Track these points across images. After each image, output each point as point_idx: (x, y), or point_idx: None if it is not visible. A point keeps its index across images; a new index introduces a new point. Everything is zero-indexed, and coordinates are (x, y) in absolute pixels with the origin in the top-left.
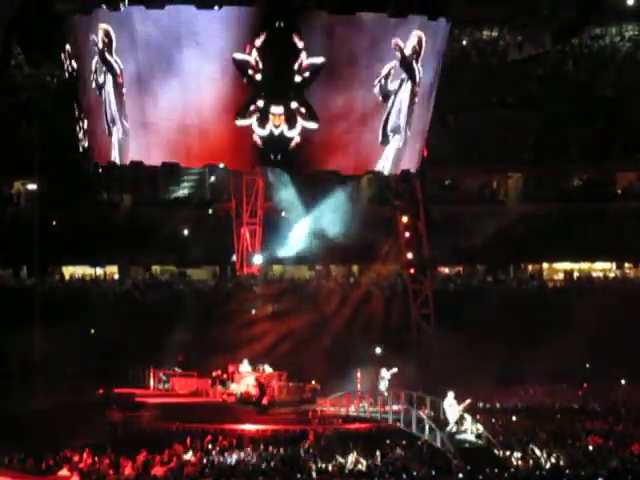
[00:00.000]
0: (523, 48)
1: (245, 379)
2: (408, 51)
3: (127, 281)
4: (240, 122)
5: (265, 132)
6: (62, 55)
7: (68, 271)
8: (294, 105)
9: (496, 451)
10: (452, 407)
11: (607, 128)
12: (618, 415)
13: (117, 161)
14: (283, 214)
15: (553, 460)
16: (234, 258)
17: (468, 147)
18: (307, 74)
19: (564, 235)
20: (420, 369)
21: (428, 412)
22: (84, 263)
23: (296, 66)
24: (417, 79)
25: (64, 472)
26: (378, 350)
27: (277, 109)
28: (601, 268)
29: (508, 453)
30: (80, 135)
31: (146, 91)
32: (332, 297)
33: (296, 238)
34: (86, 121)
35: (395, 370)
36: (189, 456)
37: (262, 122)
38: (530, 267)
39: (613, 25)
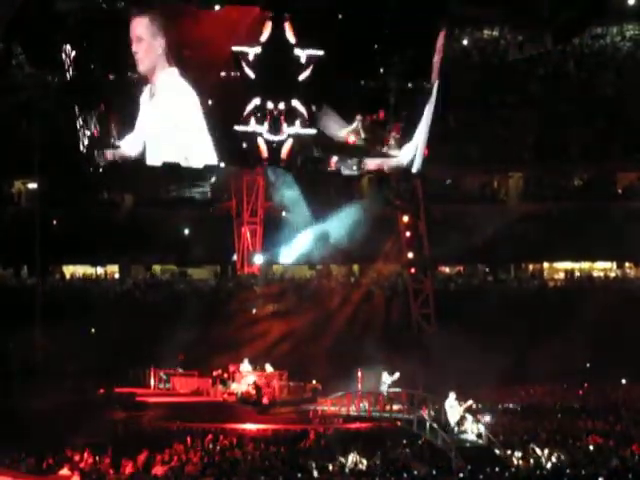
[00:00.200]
0: (524, 48)
1: (246, 378)
2: None
3: (128, 280)
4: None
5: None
6: (63, 55)
7: (69, 270)
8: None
9: (497, 450)
10: (453, 408)
11: (608, 128)
12: (618, 415)
13: (118, 160)
14: (284, 214)
15: (554, 460)
16: (235, 257)
17: (469, 147)
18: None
19: (565, 235)
20: (420, 369)
21: (429, 412)
22: (85, 262)
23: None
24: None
25: (65, 471)
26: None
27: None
28: (602, 268)
29: (509, 452)
30: (81, 134)
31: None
32: (333, 297)
33: (298, 244)
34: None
35: (397, 376)
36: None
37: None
38: (531, 267)
39: (614, 25)
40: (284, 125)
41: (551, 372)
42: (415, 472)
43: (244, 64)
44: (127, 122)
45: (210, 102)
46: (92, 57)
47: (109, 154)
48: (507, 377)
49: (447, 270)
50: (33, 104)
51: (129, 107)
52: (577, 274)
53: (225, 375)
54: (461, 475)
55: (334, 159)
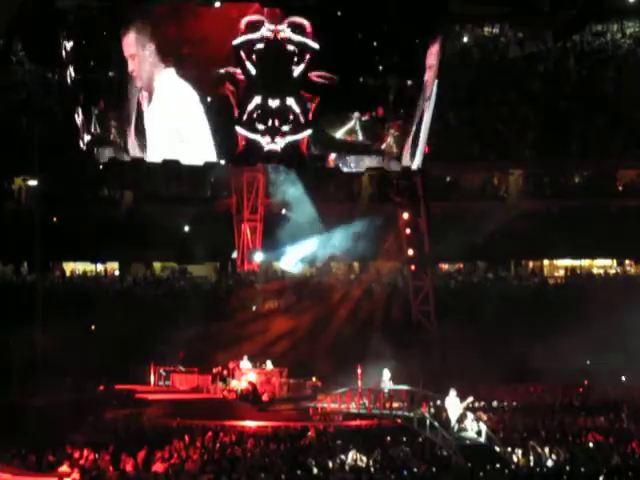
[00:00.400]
0: (524, 45)
1: (246, 376)
2: None
3: (128, 278)
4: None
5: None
6: (63, 52)
7: (69, 267)
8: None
9: (497, 448)
10: (453, 405)
11: (608, 125)
12: (618, 412)
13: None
14: (284, 212)
15: (554, 457)
16: (235, 255)
17: (469, 144)
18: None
19: (565, 232)
20: (421, 366)
21: (429, 409)
22: (85, 259)
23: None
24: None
25: (64, 468)
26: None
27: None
28: (602, 265)
29: (509, 450)
30: (81, 131)
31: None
32: (333, 294)
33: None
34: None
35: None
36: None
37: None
38: (531, 264)
39: (614, 22)
40: (283, 127)
41: (551, 369)
42: (415, 470)
43: (245, 59)
44: (126, 120)
45: (209, 100)
46: (92, 54)
47: (108, 151)
48: (507, 374)
49: (447, 267)
50: (33, 100)
51: (128, 105)
52: (577, 271)
53: (225, 372)
54: (461, 473)
55: (332, 156)
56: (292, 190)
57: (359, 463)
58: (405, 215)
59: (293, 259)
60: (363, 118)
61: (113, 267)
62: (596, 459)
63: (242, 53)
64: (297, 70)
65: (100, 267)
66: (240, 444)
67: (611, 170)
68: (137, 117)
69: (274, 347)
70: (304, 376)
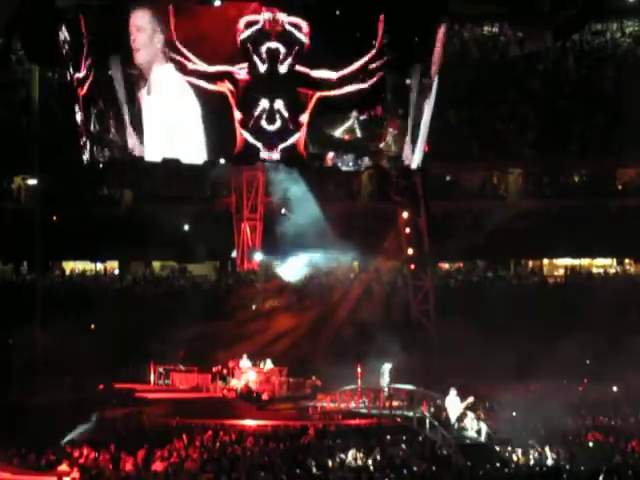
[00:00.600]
0: (524, 44)
1: (245, 374)
2: None
3: (127, 277)
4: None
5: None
6: (62, 50)
7: (68, 266)
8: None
9: (497, 447)
10: (453, 404)
11: (608, 124)
12: (618, 411)
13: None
14: (283, 211)
15: (554, 456)
16: (234, 254)
17: (469, 143)
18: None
19: (564, 231)
20: (420, 365)
21: (429, 408)
22: (84, 259)
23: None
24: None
25: (64, 467)
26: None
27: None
28: (601, 264)
29: (509, 449)
30: (80, 130)
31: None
32: (332, 293)
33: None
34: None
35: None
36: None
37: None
38: (530, 263)
39: (614, 21)
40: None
41: (551, 368)
42: (414, 469)
43: (254, 55)
44: (126, 118)
45: (209, 100)
46: (90, 52)
47: (107, 150)
48: (507, 373)
49: (447, 266)
50: (33, 99)
51: (127, 103)
52: (577, 270)
53: (225, 371)
54: (461, 472)
55: (330, 155)
56: (292, 189)
57: (359, 462)
58: (405, 214)
59: (293, 269)
60: (361, 117)
61: (113, 266)
62: (596, 458)
63: (250, 48)
64: (283, 67)
65: (100, 266)
66: (240, 443)
67: (611, 169)
68: (136, 113)
69: (274, 346)
70: (304, 375)
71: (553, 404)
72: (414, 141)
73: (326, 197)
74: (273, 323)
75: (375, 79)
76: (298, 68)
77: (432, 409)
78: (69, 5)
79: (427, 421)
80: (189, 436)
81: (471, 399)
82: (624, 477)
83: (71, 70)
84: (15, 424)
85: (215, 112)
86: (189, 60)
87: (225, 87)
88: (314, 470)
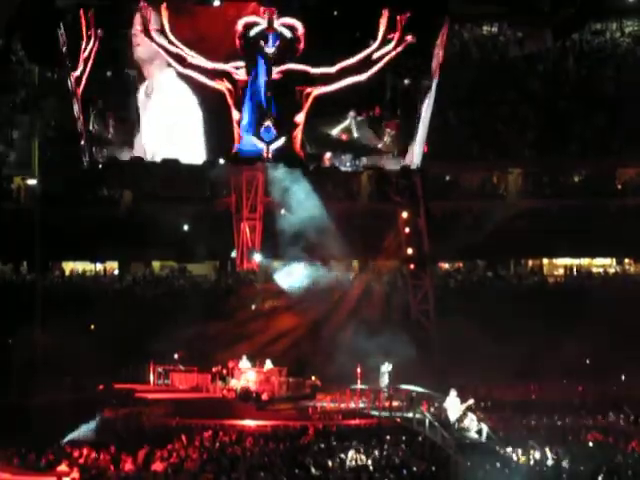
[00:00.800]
0: (523, 44)
1: (245, 375)
2: None
3: (127, 277)
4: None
5: None
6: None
7: (68, 267)
8: None
9: (497, 447)
10: (454, 405)
11: (607, 124)
12: (618, 411)
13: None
14: (282, 212)
15: (554, 456)
16: (234, 254)
17: (468, 143)
18: None
19: (564, 231)
20: (420, 365)
21: (429, 409)
22: (84, 259)
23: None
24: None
25: (64, 467)
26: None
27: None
28: (601, 264)
29: (509, 449)
30: (80, 131)
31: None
32: (332, 293)
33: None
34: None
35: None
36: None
37: None
38: (530, 262)
39: (613, 21)
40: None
41: (551, 368)
42: (414, 469)
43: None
44: (125, 119)
45: (208, 101)
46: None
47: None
48: (507, 373)
49: (446, 266)
50: (33, 100)
51: (127, 104)
52: (577, 270)
53: (224, 371)
54: (460, 472)
55: (327, 155)
56: (292, 189)
57: (359, 462)
58: (404, 214)
59: (292, 279)
60: (359, 117)
61: (112, 266)
62: (595, 458)
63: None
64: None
65: (99, 266)
66: (239, 443)
67: (610, 169)
68: (135, 114)
69: (273, 346)
70: (303, 375)
71: (553, 404)
72: (413, 141)
73: (325, 197)
74: (273, 323)
75: (373, 70)
76: (296, 67)
77: (432, 409)
78: (69, 5)
79: (427, 421)
80: (189, 436)
81: (471, 401)
82: (624, 477)
83: (70, 70)
84: (15, 424)
85: (214, 112)
86: (188, 54)
87: (224, 85)
88: (314, 470)
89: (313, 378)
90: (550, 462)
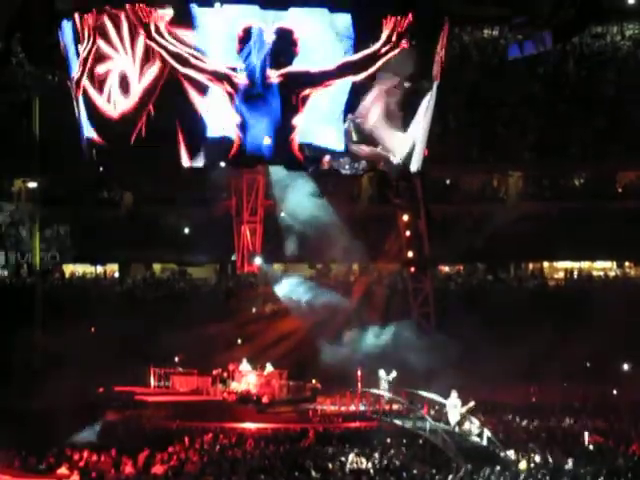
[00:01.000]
0: (524, 47)
1: (246, 377)
2: None
3: (128, 279)
4: None
5: None
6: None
7: (69, 269)
8: None
9: (497, 450)
10: (454, 408)
11: (608, 127)
12: (618, 414)
13: None
14: (282, 214)
15: (554, 459)
16: (234, 256)
17: (469, 146)
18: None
19: (564, 234)
20: (420, 368)
21: (429, 411)
22: (85, 261)
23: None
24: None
25: (64, 470)
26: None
27: None
28: (601, 267)
29: (509, 452)
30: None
31: None
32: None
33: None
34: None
35: (394, 374)
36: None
37: None
38: (531, 266)
39: (614, 24)
40: None
41: (551, 371)
42: (415, 472)
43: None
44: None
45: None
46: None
47: None
48: (507, 376)
49: (447, 269)
50: (33, 102)
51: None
52: (577, 273)
53: (225, 374)
54: (461, 475)
55: (326, 158)
56: (292, 192)
57: (359, 465)
58: (405, 217)
59: (291, 291)
60: (357, 120)
61: (113, 269)
62: (596, 461)
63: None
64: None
65: (100, 269)
66: (240, 446)
67: (611, 172)
68: None
69: (274, 349)
70: (304, 378)
71: (553, 407)
72: (414, 144)
73: (326, 200)
74: (273, 326)
75: (371, 71)
76: (295, 69)
77: (433, 412)
78: (69, 9)
79: (427, 424)
80: (189, 439)
81: (472, 404)
82: None
83: (69, 72)
84: (15, 427)
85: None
86: (191, 54)
87: (224, 88)
88: (314, 473)
89: (313, 381)
90: (550, 465)
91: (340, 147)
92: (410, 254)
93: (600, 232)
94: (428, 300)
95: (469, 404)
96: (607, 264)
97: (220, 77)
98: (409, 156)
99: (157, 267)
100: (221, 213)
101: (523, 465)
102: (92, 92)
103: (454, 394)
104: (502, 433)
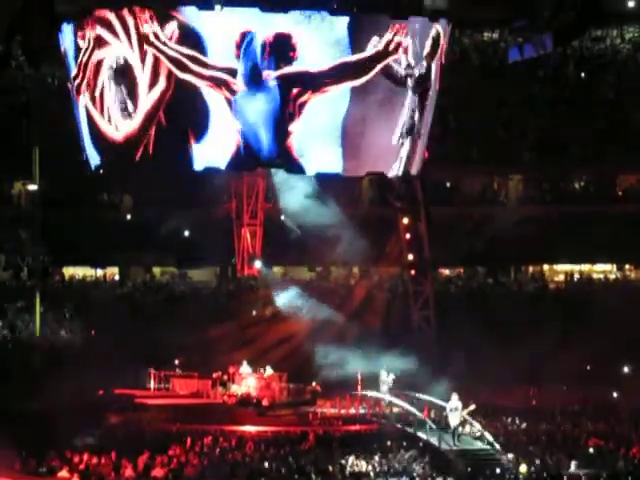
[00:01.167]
0: (524, 50)
1: (246, 380)
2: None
3: (128, 282)
4: None
5: None
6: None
7: (68, 272)
8: None
9: (497, 453)
10: (455, 410)
11: (608, 130)
12: (618, 417)
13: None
14: (282, 218)
15: (554, 462)
16: (235, 259)
17: (469, 148)
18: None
19: (565, 237)
20: (421, 370)
21: (430, 414)
22: (84, 264)
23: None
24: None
25: (64, 473)
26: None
27: None
28: (602, 270)
29: (509, 455)
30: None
31: None
32: (332, 298)
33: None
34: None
35: (394, 377)
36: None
37: None
38: (531, 268)
39: (614, 27)
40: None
41: (550, 374)
42: (415, 474)
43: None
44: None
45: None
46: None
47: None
48: (507, 379)
49: (447, 272)
50: (33, 105)
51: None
52: (577, 276)
53: (225, 377)
54: (461, 477)
55: None
56: (293, 195)
57: (359, 468)
58: (405, 220)
59: (290, 301)
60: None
61: (113, 272)
62: (596, 464)
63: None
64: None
65: (100, 272)
66: (240, 449)
67: (611, 175)
68: None
69: (274, 352)
70: (304, 381)
71: (553, 410)
72: (414, 147)
73: (326, 203)
74: (273, 329)
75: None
76: (295, 70)
77: (433, 415)
78: (69, 10)
79: (428, 427)
80: (189, 442)
81: (473, 406)
82: None
83: (70, 74)
84: (15, 429)
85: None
86: (189, 59)
87: (223, 94)
88: (314, 476)
89: (313, 384)
90: (550, 468)
91: (338, 169)
92: (410, 257)
93: (600, 235)
94: (428, 303)
95: (469, 406)
96: (607, 267)
97: (219, 83)
98: (412, 159)
99: (157, 270)
100: (221, 216)
101: (523, 468)
102: (94, 113)
103: (454, 397)
104: (502, 436)
